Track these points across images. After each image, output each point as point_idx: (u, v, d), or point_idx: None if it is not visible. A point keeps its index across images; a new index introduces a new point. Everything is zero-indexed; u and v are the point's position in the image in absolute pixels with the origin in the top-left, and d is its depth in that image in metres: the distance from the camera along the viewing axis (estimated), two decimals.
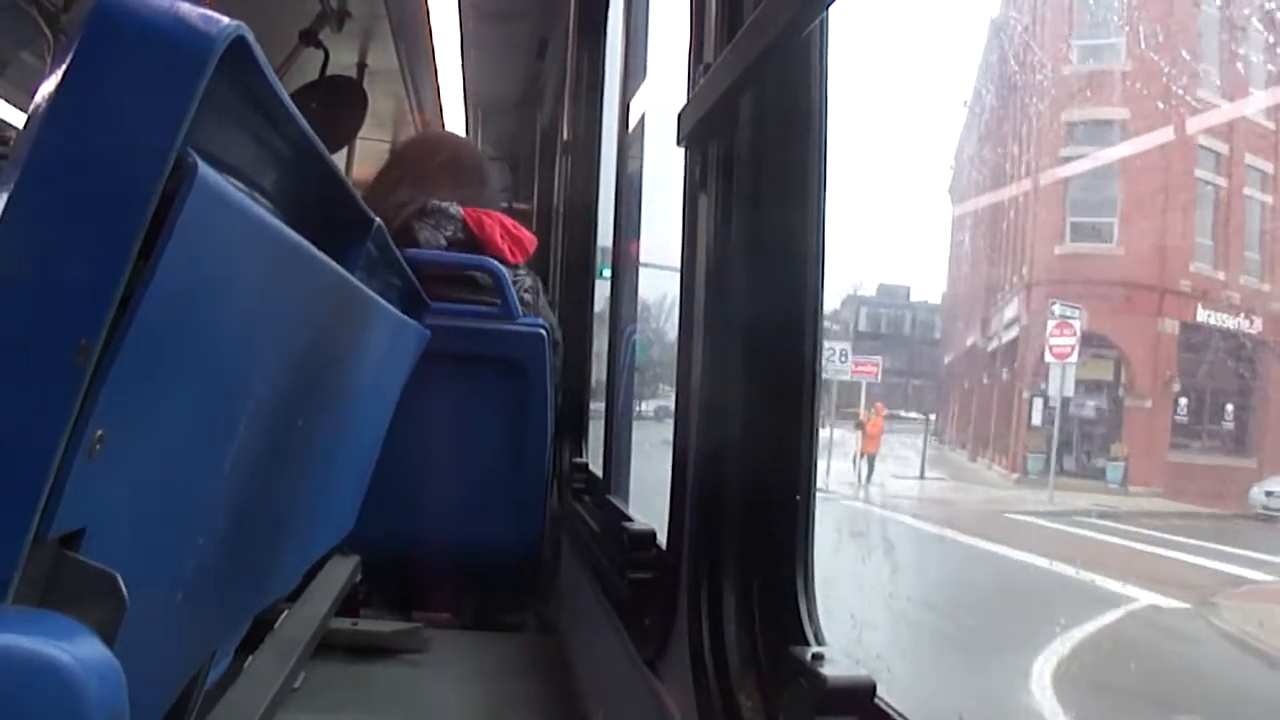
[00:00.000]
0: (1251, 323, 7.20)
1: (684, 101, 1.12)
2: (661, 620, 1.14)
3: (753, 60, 0.87)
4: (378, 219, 1.11)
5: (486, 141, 4.66)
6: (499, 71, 3.84)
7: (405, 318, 1.45)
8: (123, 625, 0.55)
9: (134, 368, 0.55)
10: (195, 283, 0.61)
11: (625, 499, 1.98)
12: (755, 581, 0.99)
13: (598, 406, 2.40)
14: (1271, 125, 6.83)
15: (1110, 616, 4.26)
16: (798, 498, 0.97)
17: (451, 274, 2.08)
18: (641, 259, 2.50)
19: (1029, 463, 8.75)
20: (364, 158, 4.38)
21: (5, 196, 0.52)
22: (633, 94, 2.36)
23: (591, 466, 2.28)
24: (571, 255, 2.78)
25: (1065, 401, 8.22)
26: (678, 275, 1.16)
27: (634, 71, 2.37)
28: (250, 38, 0.57)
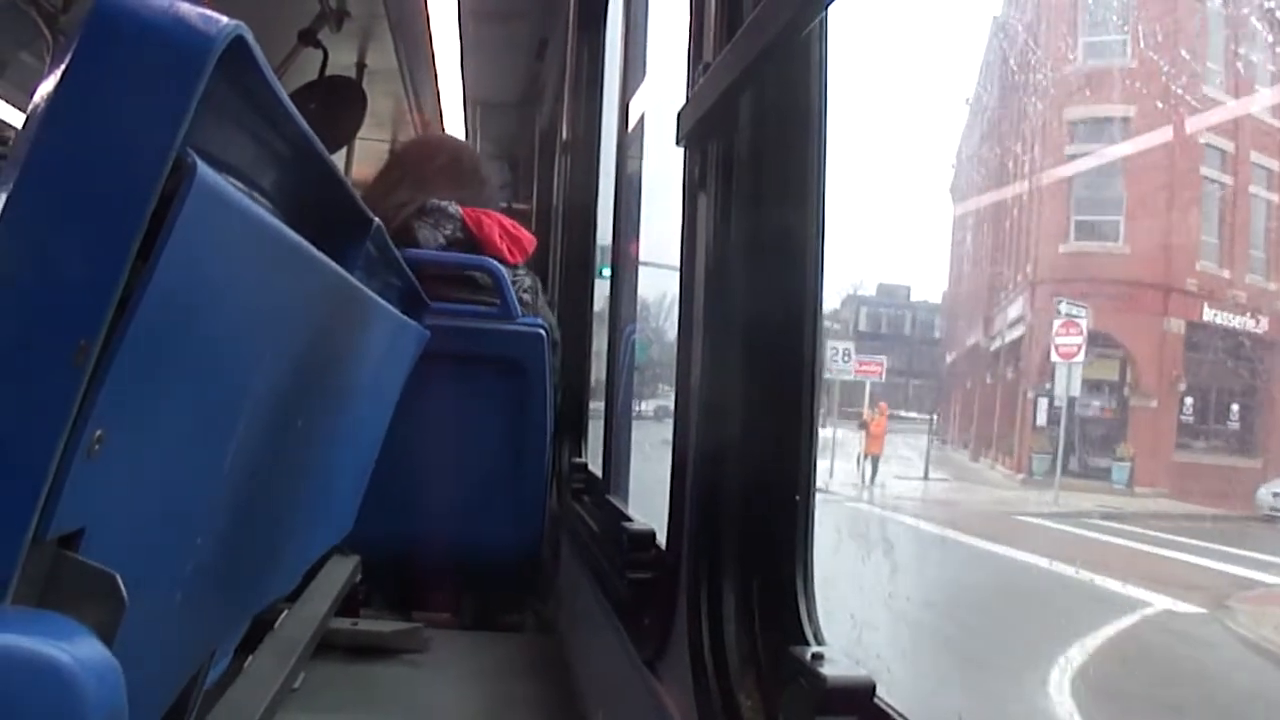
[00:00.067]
0: (1258, 322, 7.18)
1: (683, 101, 1.12)
2: (661, 620, 1.14)
3: (752, 60, 0.87)
4: (377, 219, 1.11)
5: (486, 141, 4.65)
6: (498, 71, 3.84)
7: (405, 318, 1.45)
8: (122, 625, 0.55)
9: (133, 368, 0.55)
10: (194, 283, 0.61)
11: (625, 499, 1.98)
12: (755, 581, 0.99)
13: (597, 406, 2.40)
14: (1277, 123, 6.81)
15: (1125, 621, 4.23)
16: (797, 498, 0.97)
17: (451, 274, 2.08)
18: (641, 258, 2.50)
19: (1034, 463, 8.71)
20: (363, 158, 4.39)
21: (5, 196, 0.52)
22: (632, 93, 2.36)
23: (591, 466, 2.28)
24: (571, 255, 2.78)
25: (1071, 401, 8.17)
26: (677, 274, 1.16)
27: (633, 71, 2.37)
28: (249, 37, 0.57)
